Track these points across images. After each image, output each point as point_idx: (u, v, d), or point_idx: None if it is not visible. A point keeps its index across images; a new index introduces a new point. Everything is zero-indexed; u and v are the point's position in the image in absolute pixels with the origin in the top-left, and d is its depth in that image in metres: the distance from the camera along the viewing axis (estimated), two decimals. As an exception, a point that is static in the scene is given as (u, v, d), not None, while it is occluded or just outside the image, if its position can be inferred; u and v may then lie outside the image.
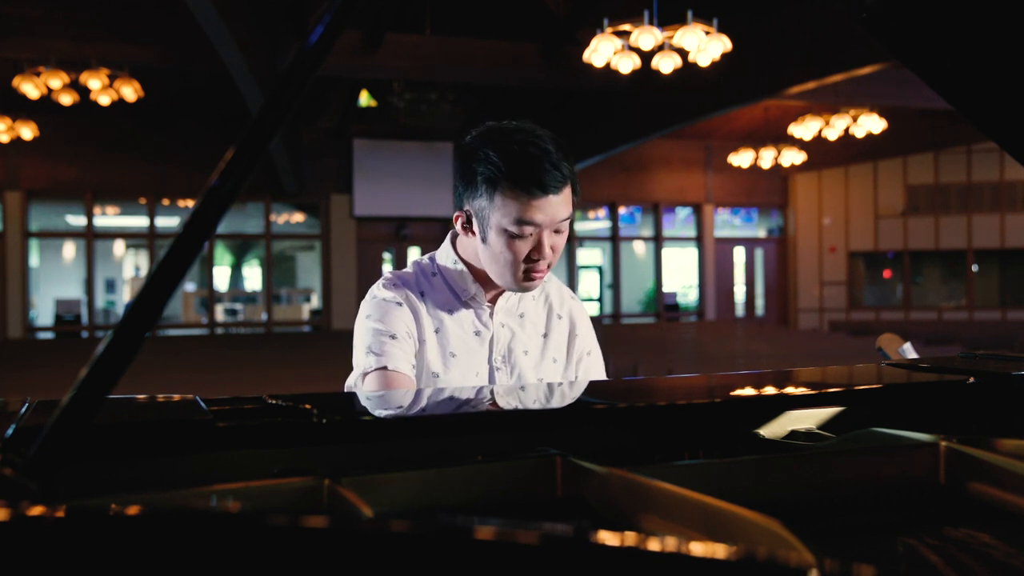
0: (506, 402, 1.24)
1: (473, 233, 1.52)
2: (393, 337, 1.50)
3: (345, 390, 1.57)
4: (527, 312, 1.63)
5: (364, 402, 1.22)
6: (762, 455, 0.93)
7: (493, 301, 1.60)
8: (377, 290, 1.57)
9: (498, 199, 1.44)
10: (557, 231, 1.48)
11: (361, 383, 1.50)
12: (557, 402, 1.23)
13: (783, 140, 13.16)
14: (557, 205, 1.44)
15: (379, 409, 1.15)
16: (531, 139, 1.44)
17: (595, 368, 1.70)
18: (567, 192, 1.46)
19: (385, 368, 1.47)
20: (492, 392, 1.38)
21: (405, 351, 1.50)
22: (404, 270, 1.62)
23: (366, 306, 1.56)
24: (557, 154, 1.44)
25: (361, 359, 1.50)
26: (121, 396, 0.96)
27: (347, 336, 1.57)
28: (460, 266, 1.58)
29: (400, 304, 1.54)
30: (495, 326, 1.59)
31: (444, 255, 1.61)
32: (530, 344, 1.62)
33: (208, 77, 10.82)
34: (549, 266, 1.51)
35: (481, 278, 1.57)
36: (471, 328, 1.58)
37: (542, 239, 1.46)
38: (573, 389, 1.40)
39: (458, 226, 1.56)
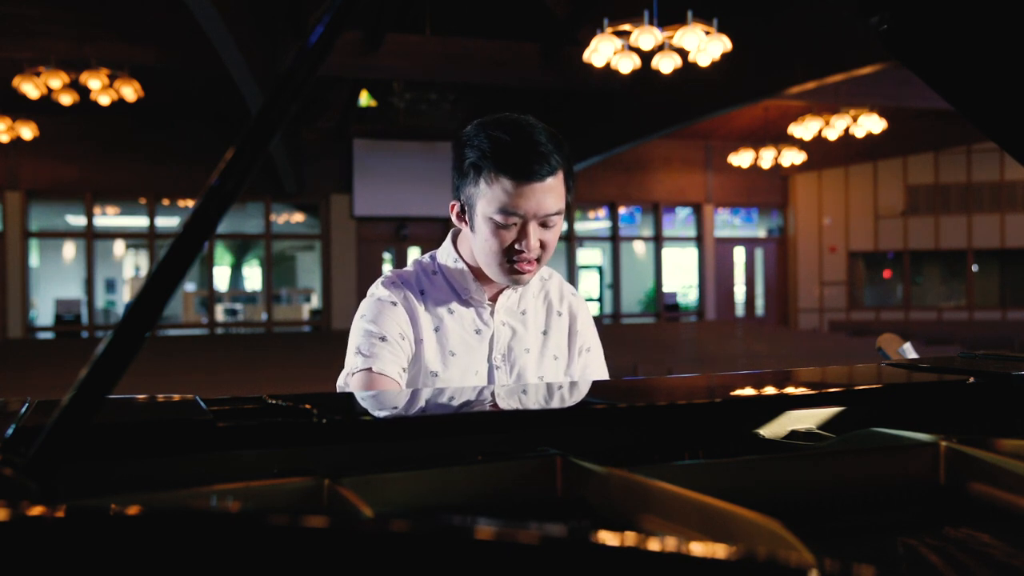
0: (506, 402, 1.24)
1: (465, 222, 1.52)
2: (383, 339, 1.49)
3: (336, 389, 1.57)
4: (528, 310, 1.63)
5: (364, 402, 1.22)
6: (762, 455, 0.93)
7: (494, 299, 1.60)
8: (376, 289, 1.57)
9: (483, 185, 1.44)
10: (545, 225, 1.46)
11: (349, 381, 1.50)
12: (557, 402, 1.23)
13: (783, 140, 13.17)
14: (543, 194, 1.43)
15: (379, 409, 1.15)
16: (522, 127, 1.44)
17: (594, 365, 1.69)
18: (555, 184, 1.45)
19: (370, 370, 1.47)
20: (492, 392, 1.37)
21: (395, 353, 1.49)
22: (405, 268, 1.62)
23: (363, 305, 1.56)
24: (548, 144, 1.43)
25: (351, 359, 1.51)
26: (121, 396, 0.96)
27: (347, 336, 1.57)
28: (460, 264, 1.58)
29: (395, 304, 1.53)
30: (496, 324, 1.58)
31: (445, 253, 1.61)
32: (531, 342, 1.61)
33: (208, 77, 10.82)
34: (539, 261, 1.49)
35: (481, 276, 1.57)
36: (471, 326, 1.57)
37: (528, 230, 1.44)
38: (573, 389, 1.39)
39: (453, 216, 1.55)
